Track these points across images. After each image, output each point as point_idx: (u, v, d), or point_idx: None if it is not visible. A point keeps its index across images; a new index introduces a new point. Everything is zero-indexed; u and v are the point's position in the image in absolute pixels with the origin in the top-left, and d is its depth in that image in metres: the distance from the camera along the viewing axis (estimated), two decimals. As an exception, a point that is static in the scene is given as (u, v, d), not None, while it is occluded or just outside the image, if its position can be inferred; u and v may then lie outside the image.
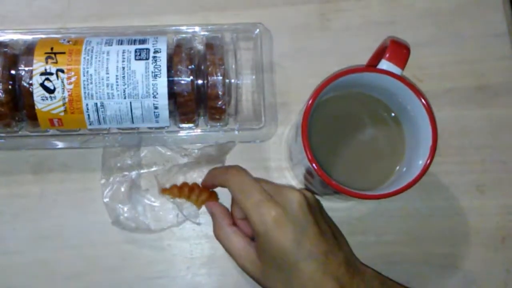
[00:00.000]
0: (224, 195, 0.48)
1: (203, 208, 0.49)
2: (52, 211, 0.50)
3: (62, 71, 0.44)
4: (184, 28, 0.50)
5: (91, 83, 0.44)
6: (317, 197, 0.50)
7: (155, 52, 0.45)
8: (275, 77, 0.52)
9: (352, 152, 0.46)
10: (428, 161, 0.41)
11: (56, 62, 0.44)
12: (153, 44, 0.45)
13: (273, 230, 0.40)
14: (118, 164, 0.49)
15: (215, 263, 0.49)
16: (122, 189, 0.49)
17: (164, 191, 0.48)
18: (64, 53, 0.44)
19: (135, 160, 0.50)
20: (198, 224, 0.49)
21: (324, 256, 0.40)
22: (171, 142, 0.50)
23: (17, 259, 0.49)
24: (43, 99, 0.44)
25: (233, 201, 0.45)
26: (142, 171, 0.50)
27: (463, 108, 0.52)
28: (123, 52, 0.45)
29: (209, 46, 0.47)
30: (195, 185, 0.48)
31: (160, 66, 0.44)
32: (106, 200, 0.49)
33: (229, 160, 0.50)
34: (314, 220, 0.41)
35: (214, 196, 0.48)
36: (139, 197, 0.49)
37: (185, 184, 0.48)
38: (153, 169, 0.50)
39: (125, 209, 0.49)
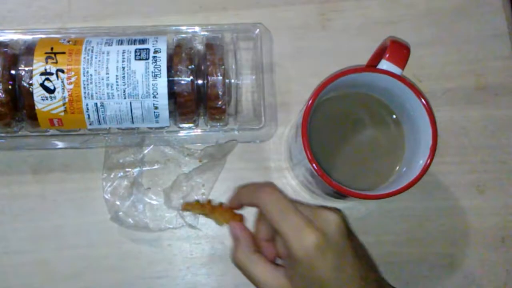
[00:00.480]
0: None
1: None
2: (52, 211, 0.50)
3: (62, 71, 0.44)
4: (184, 28, 0.50)
5: (91, 83, 0.44)
6: (317, 197, 0.50)
7: (155, 52, 0.45)
8: (275, 77, 0.52)
9: (352, 152, 0.46)
10: (428, 161, 0.41)
11: (56, 62, 0.44)
12: (153, 44, 0.45)
13: (314, 257, 0.38)
14: (120, 160, 0.49)
15: (215, 263, 0.49)
16: (123, 186, 0.49)
17: (186, 206, 0.47)
18: (64, 53, 0.44)
19: (137, 158, 0.50)
20: (199, 229, 0.49)
21: (362, 281, 0.40)
22: (173, 142, 0.50)
23: (17, 259, 0.49)
24: (43, 99, 0.44)
25: (259, 220, 0.44)
26: (144, 168, 0.50)
27: (463, 108, 0.52)
28: (123, 52, 0.45)
29: (209, 46, 0.47)
30: (220, 204, 0.47)
31: (160, 66, 0.44)
32: (106, 195, 0.49)
33: (229, 160, 0.50)
34: (351, 244, 0.40)
35: (239, 218, 0.46)
36: (140, 195, 0.49)
37: (209, 201, 0.48)
38: (155, 167, 0.50)
39: (125, 205, 0.49)
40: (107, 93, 0.44)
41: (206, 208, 0.47)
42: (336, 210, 0.41)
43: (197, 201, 0.48)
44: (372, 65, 0.43)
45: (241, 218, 0.46)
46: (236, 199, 0.46)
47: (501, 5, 0.54)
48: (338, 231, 0.39)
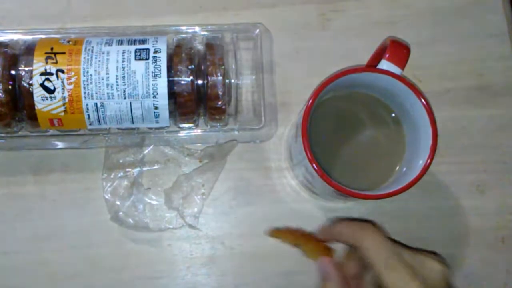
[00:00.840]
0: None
1: (203, 209, 0.50)
2: (52, 211, 0.50)
3: (62, 71, 0.44)
4: (184, 28, 0.50)
5: (91, 83, 0.44)
6: (317, 197, 0.50)
7: (155, 52, 0.45)
8: (275, 77, 0.52)
9: (352, 152, 0.46)
10: (428, 161, 0.41)
11: (56, 62, 0.44)
12: (153, 44, 0.45)
13: None
14: (120, 161, 0.49)
15: (215, 263, 0.49)
16: (123, 186, 0.49)
17: (274, 233, 0.46)
18: (64, 53, 0.44)
19: (137, 158, 0.50)
20: (199, 229, 0.49)
21: None
22: (173, 142, 0.50)
23: (17, 259, 0.49)
24: (43, 99, 0.44)
25: (349, 257, 0.44)
26: (144, 168, 0.50)
27: (463, 108, 0.52)
28: (123, 52, 0.45)
29: (209, 46, 0.47)
30: (310, 234, 0.46)
31: (160, 66, 0.44)
32: (106, 195, 0.49)
33: (229, 160, 0.50)
34: None
35: (330, 252, 0.45)
36: (140, 195, 0.49)
37: (298, 230, 0.46)
38: (155, 167, 0.50)
39: (125, 205, 0.49)
40: (107, 93, 0.44)
41: (297, 237, 0.45)
42: (441, 259, 0.41)
43: (287, 229, 0.46)
44: (372, 65, 0.43)
45: (332, 253, 0.45)
46: (330, 233, 0.45)
47: (501, 5, 0.54)
48: (444, 283, 0.39)
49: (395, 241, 0.41)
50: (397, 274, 0.39)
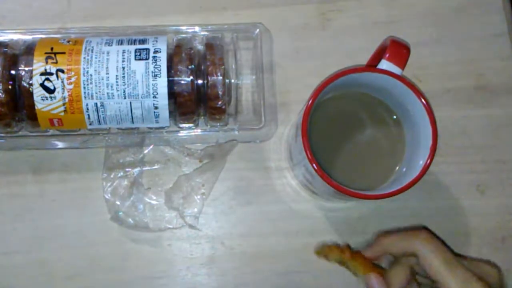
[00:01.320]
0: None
1: (203, 209, 0.50)
2: (52, 211, 0.50)
3: (62, 71, 0.44)
4: (184, 28, 0.50)
5: (91, 83, 0.44)
6: (317, 197, 0.50)
7: (155, 52, 0.45)
8: (275, 77, 0.52)
9: (352, 152, 0.46)
10: (428, 161, 0.41)
11: (56, 62, 0.44)
12: (153, 44, 0.45)
13: None
14: (121, 160, 0.49)
15: (215, 263, 0.49)
16: (123, 186, 0.49)
17: (322, 248, 0.46)
18: (64, 53, 0.44)
19: (137, 158, 0.50)
20: (199, 229, 0.49)
21: None
22: (173, 142, 0.50)
23: (17, 259, 0.49)
24: (43, 99, 0.44)
25: (394, 272, 0.43)
26: (144, 168, 0.50)
27: (463, 108, 0.52)
28: (123, 52, 0.45)
29: (209, 46, 0.47)
30: (358, 251, 0.45)
31: (160, 66, 0.44)
32: (106, 195, 0.49)
33: (229, 160, 0.50)
34: None
35: (377, 269, 0.45)
36: (140, 195, 0.49)
37: (347, 248, 0.46)
38: (155, 167, 0.50)
39: (125, 205, 0.49)
40: (107, 93, 0.44)
41: (345, 254, 0.45)
42: (495, 265, 0.42)
43: (335, 246, 0.46)
44: (372, 65, 0.43)
45: (380, 271, 0.45)
46: (381, 246, 0.45)
47: (501, 5, 0.54)
48: (498, 284, 0.40)
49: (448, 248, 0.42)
50: (459, 275, 0.40)
